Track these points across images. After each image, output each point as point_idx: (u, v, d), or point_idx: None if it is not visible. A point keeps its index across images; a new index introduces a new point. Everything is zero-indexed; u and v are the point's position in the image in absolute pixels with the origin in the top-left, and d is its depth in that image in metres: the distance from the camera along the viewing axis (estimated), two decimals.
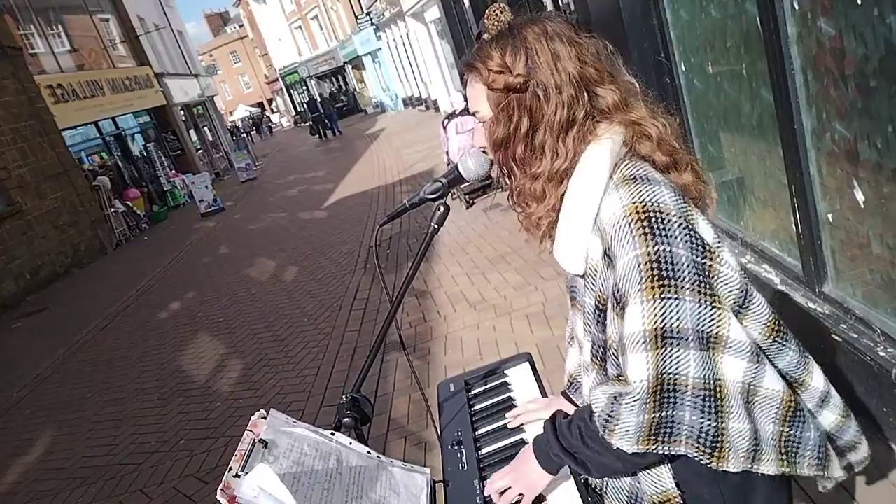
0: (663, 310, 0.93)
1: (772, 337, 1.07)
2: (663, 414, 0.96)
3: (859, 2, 1.88)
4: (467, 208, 7.40)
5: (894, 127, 1.91)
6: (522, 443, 1.39)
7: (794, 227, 2.57)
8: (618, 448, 1.00)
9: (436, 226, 1.25)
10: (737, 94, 2.91)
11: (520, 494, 1.19)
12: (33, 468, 4.52)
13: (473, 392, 1.64)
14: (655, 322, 0.93)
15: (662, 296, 0.93)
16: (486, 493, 1.24)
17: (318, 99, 28.72)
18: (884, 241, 2.15)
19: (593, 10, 3.99)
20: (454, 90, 17.55)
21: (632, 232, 0.94)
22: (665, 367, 0.94)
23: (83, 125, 16.07)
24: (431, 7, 17.32)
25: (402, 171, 11.97)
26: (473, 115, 1.14)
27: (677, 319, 0.93)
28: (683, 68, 3.38)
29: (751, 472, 1.06)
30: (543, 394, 1.55)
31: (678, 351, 0.94)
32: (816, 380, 1.12)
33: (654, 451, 0.99)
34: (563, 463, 1.13)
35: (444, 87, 19.38)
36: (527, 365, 1.69)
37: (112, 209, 14.22)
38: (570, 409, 1.41)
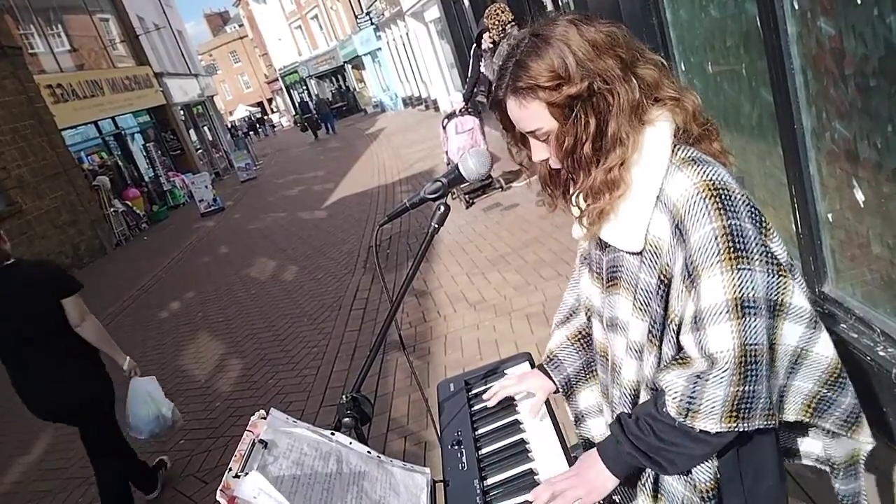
0: (741, 280, 0.97)
1: None
2: (746, 388, 0.98)
3: (859, 1, 1.88)
4: (467, 208, 7.40)
5: (894, 127, 1.91)
6: (522, 442, 1.39)
7: (793, 226, 2.57)
8: (701, 430, 1.01)
9: (436, 225, 1.25)
10: (736, 94, 2.91)
11: (577, 498, 1.14)
12: (33, 468, 4.52)
13: (473, 392, 1.64)
14: (735, 292, 0.96)
15: (739, 266, 0.96)
16: (532, 497, 1.16)
17: (312, 101, 30.08)
18: (884, 240, 2.15)
19: (592, 10, 3.99)
20: (454, 90, 17.57)
21: (706, 207, 0.98)
22: (746, 338, 0.97)
23: (83, 125, 16.07)
24: (431, 7, 17.31)
25: (402, 170, 11.97)
26: (533, 132, 1.10)
27: (752, 289, 0.97)
28: (683, 68, 3.38)
29: (765, 453, 1.12)
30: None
31: (755, 320, 0.98)
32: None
33: (735, 430, 1.00)
34: (635, 464, 1.11)
35: (444, 87, 19.38)
36: (527, 365, 1.69)
37: (112, 209, 14.23)
38: (546, 384, 1.45)
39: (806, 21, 2.18)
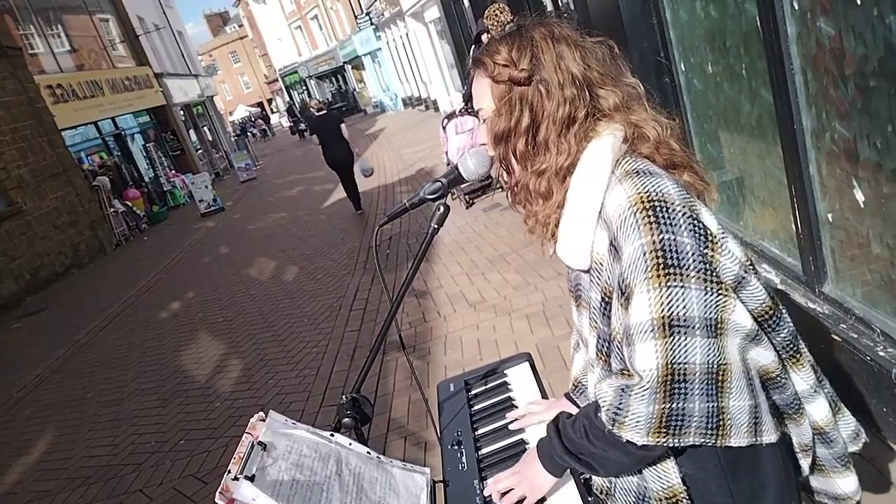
0: (669, 298, 0.93)
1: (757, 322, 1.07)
2: (674, 405, 0.96)
3: (859, 2, 1.88)
4: (467, 208, 7.40)
5: (894, 127, 1.91)
6: (522, 443, 1.39)
7: (793, 226, 2.57)
8: (627, 441, 1.00)
9: (436, 226, 1.25)
10: (736, 94, 2.91)
11: (523, 496, 1.19)
12: (33, 468, 4.52)
13: (473, 392, 1.64)
14: (662, 310, 0.93)
15: (668, 284, 0.93)
16: (486, 493, 1.24)
17: (297, 105, 32.87)
18: (884, 241, 2.15)
19: (593, 10, 3.99)
20: (454, 90, 17.57)
21: (637, 222, 0.95)
22: (674, 357, 0.94)
23: (83, 125, 16.06)
24: (431, 7, 17.31)
25: (402, 170, 11.97)
26: (477, 112, 1.15)
27: (684, 308, 0.94)
28: (683, 68, 3.38)
29: (761, 469, 1.08)
30: (543, 394, 1.55)
31: (686, 339, 0.94)
32: (798, 383, 1.13)
33: (664, 445, 0.99)
34: (568, 465, 1.13)
35: (444, 87, 19.38)
36: (526, 365, 1.69)
37: (112, 209, 14.22)
38: (573, 411, 1.41)
39: (806, 21, 2.17)
